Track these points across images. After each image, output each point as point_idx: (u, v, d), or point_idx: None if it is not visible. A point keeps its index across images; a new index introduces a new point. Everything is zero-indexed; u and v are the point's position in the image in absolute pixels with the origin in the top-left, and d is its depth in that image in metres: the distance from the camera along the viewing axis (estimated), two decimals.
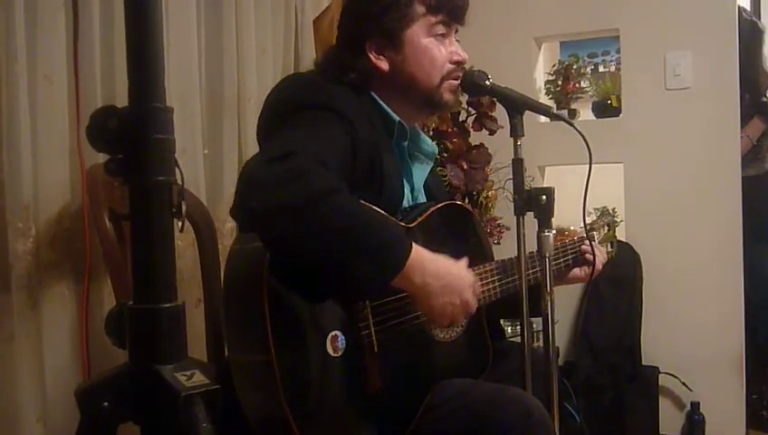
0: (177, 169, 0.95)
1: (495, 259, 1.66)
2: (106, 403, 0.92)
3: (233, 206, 1.28)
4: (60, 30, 1.67)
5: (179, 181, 0.95)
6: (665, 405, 2.95)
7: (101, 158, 0.95)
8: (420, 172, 1.69)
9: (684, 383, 2.89)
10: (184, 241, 1.92)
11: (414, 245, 1.32)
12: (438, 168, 2.38)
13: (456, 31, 1.63)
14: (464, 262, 1.44)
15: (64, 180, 1.69)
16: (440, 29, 1.58)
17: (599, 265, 1.81)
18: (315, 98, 1.47)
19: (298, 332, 1.30)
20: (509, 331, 2.54)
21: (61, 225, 1.69)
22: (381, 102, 1.59)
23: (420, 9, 1.56)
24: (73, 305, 1.71)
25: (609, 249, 1.98)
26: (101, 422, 0.93)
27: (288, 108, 1.45)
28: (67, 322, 1.69)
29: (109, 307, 0.98)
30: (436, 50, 1.57)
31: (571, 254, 1.82)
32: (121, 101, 0.95)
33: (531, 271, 1.63)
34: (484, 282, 1.58)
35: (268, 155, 1.29)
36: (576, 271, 1.84)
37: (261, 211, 1.22)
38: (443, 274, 1.37)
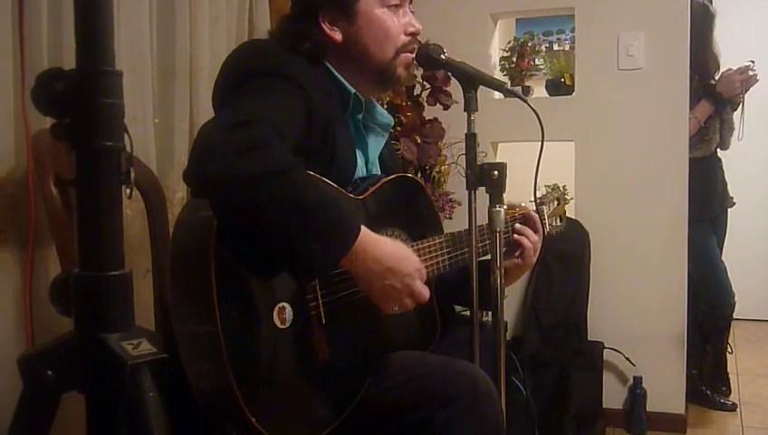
0: (126, 136, 0.94)
1: (445, 232, 1.67)
2: (50, 372, 0.91)
3: (186, 170, 1.26)
4: None
5: (128, 148, 0.94)
6: (608, 379, 3.02)
7: (48, 123, 0.92)
8: (375, 144, 1.69)
9: (627, 358, 2.96)
10: (133, 210, 1.88)
11: (362, 228, 1.32)
12: (392, 141, 2.38)
13: (411, 2, 1.62)
14: (413, 253, 1.45)
15: (9, 145, 1.64)
16: None
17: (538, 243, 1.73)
18: (272, 66, 1.45)
19: (245, 303, 1.29)
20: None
21: (4, 191, 1.64)
22: (336, 73, 1.57)
23: None
24: (17, 273, 1.67)
25: (558, 223, 1.99)
26: (45, 391, 0.92)
27: (245, 75, 1.43)
28: (10, 290, 1.65)
29: (54, 275, 0.96)
30: (389, 21, 1.56)
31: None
32: (69, 64, 0.92)
33: (480, 244, 1.64)
34: (433, 254, 1.59)
35: (226, 121, 1.28)
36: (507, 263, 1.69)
37: (216, 178, 1.20)
38: (385, 258, 1.37)
